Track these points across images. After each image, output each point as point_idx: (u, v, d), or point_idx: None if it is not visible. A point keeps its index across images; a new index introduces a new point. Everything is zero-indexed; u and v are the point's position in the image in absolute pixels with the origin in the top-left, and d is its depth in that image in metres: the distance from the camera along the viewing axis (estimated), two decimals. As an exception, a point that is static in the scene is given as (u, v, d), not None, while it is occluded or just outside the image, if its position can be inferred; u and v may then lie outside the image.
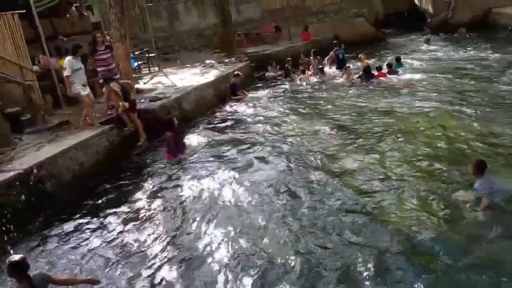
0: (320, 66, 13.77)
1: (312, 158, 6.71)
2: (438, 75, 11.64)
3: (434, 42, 17.62)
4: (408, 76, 11.92)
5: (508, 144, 6.26)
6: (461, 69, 11.95)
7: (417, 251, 4.13)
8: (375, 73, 12.21)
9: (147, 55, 15.22)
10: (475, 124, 7.20)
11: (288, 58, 14.60)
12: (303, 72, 13.36)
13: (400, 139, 6.99)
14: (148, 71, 14.69)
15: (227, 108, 11.07)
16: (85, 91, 7.81)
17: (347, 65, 13.39)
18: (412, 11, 23.81)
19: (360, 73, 12.41)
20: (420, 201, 4.98)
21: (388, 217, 4.75)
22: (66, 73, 7.56)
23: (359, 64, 13.89)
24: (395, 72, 12.27)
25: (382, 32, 21.62)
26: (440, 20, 20.35)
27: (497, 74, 10.71)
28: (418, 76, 11.75)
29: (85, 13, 17.07)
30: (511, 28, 16.94)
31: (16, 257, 3.69)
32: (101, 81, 8.76)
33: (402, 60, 13.29)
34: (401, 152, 6.45)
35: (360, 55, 14.18)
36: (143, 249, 4.75)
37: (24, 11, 9.67)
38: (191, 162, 7.27)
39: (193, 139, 8.55)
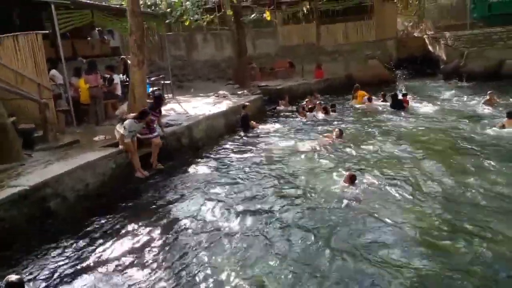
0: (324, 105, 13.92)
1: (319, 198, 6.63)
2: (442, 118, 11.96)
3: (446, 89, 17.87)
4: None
5: None
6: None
7: None
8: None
9: (162, 82, 15.50)
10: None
11: (306, 99, 14.76)
12: (311, 110, 13.45)
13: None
14: (162, 97, 14.89)
15: (237, 138, 11.13)
16: (128, 138, 7.68)
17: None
18: (426, 57, 24.10)
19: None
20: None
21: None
22: (123, 132, 7.72)
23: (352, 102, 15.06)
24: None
25: (393, 75, 21.89)
26: (452, 67, 20.57)
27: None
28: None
29: (106, 38, 17.62)
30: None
31: (13, 277, 3.62)
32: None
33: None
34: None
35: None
36: (138, 279, 4.64)
37: (48, 32, 10.00)
38: (195, 190, 7.26)
39: (200, 169, 8.56)
